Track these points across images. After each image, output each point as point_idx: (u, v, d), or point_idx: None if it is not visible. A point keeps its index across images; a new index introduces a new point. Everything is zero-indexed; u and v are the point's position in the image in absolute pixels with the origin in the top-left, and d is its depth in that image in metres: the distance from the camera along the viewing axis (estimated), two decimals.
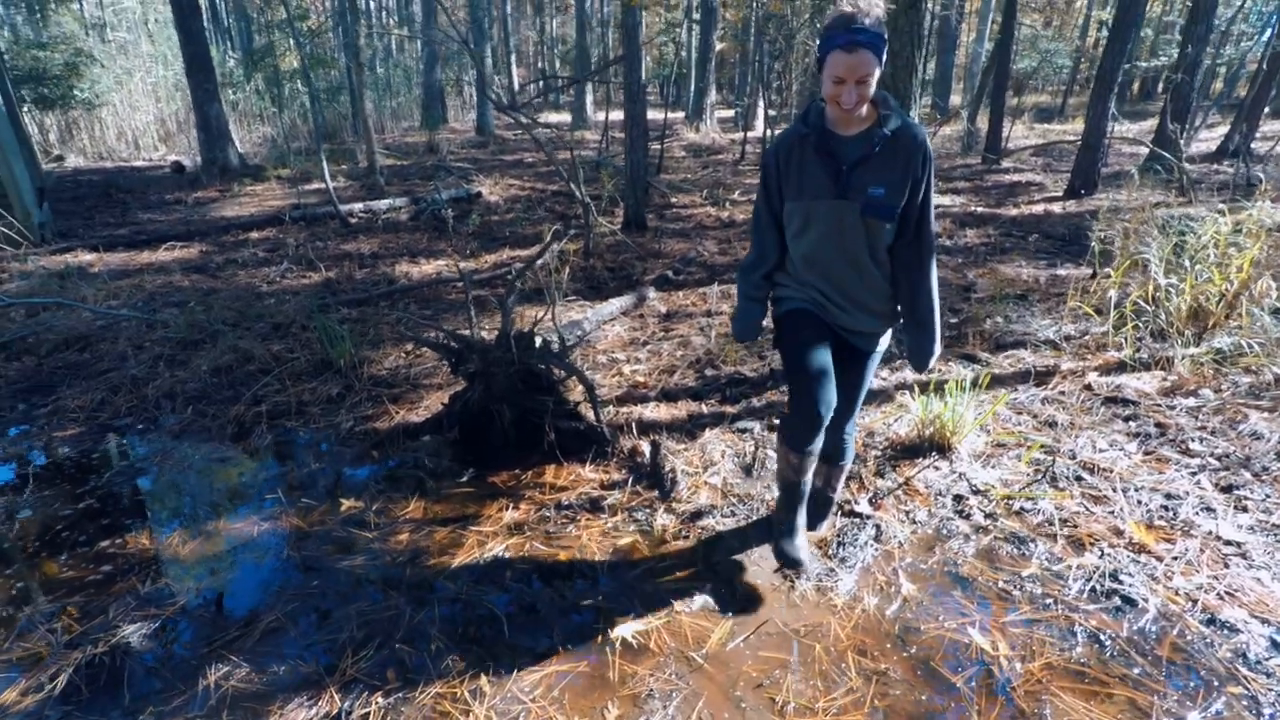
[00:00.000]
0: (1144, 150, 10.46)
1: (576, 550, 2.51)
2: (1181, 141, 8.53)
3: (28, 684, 1.99)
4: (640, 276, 5.97)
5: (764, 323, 2.20)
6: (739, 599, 2.23)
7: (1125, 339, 3.88)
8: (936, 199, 9.11)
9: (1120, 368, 3.74)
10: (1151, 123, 13.48)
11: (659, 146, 11.93)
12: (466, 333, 3.50)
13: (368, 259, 6.85)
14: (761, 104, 15.10)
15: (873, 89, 1.80)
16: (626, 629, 2.12)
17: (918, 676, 1.92)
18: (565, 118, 21.68)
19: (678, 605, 2.22)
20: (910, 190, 1.87)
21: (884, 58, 1.77)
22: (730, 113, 22.58)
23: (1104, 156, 8.99)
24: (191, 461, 3.28)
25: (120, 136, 15.27)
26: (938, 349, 2.06)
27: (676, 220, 8.44)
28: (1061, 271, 5.69)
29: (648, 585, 2.31)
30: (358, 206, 8.53)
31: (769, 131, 12.34)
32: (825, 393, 2.03)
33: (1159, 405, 3.34)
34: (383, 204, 8.70)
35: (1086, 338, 4.16)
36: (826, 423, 2.08)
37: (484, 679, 1.96)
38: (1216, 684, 1.85)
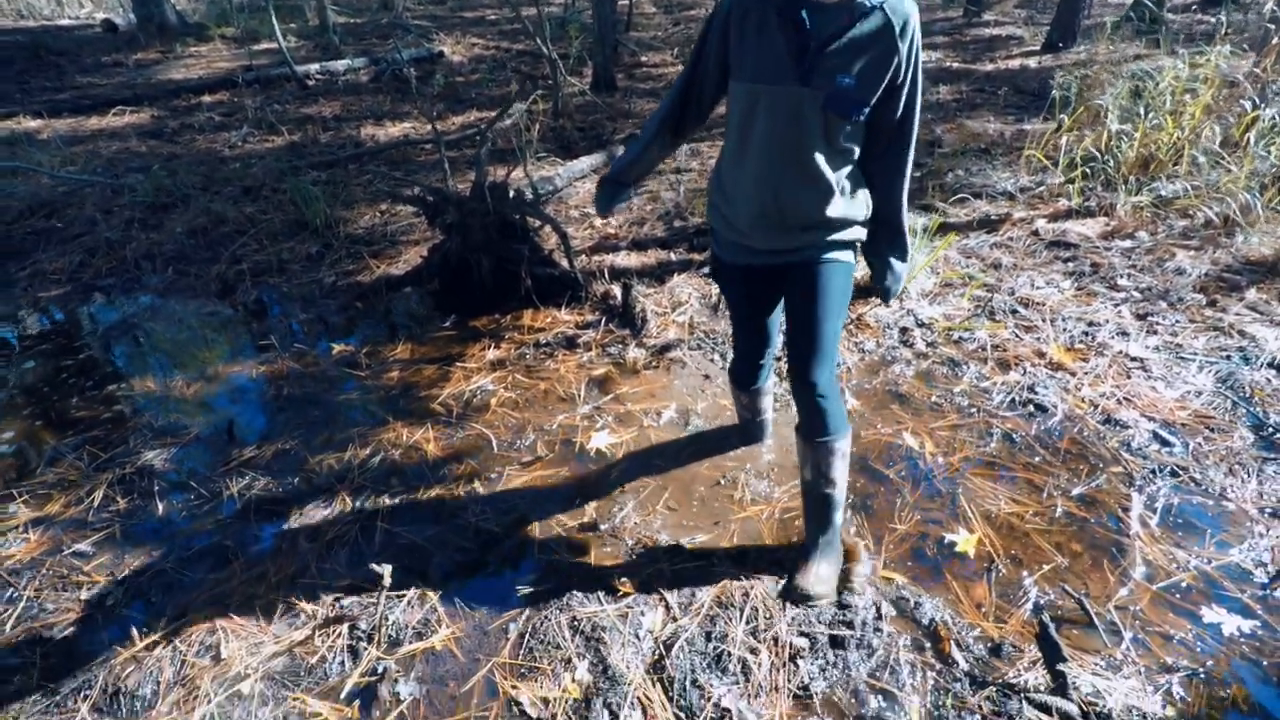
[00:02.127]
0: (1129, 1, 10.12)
1: (555, 381, 2.74)
2: None
3: (67, 499, 2.23)
4: (610, 136, 5.91)
5: (628, 200, 1.88)
6: (701, 415, 2.50)
7: (1074, 187, 4.05)
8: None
9: (1068, 215, 3.93)
10: None
11: (627, 2, 11.26)
12: (441, 186, 3.55)
13: (331, 122, 6.64)
14: None
15: None
16: (601, 440, 2.39)
17: (856, 471, 2.22)
18: None
19: (646, 421, 2.49)
20: (889, 83, 1.44)
21: None
22: None
23: (1087, 7, 8.73)
24: (182, 316, 3.41)
25: None
26: (904, 270, 1.71)
27: (647, 79, 8.18)
28: (1028, 126, 5.73)
29: (620, 406, 2.57)
30: (314, 68, 8.10)
31: None
32: (753, 340, 1.98)
33: (1097, 248, 3.57)
34: (341, 65, 8.27)
35: (1041, 189, 4.31)
36: (764, 363, 2.06)
37: (477, 483, 2.24)
38: (1101, 466, 2.18)
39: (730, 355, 2.13)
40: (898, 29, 1.39)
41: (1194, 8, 10.80)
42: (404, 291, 3.53)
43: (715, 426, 2.44)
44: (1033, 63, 8.27)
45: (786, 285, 1.73)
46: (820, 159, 1.50)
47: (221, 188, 4.88)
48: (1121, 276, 3.27)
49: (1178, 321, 2.88)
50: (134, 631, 1.75)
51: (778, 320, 1.95)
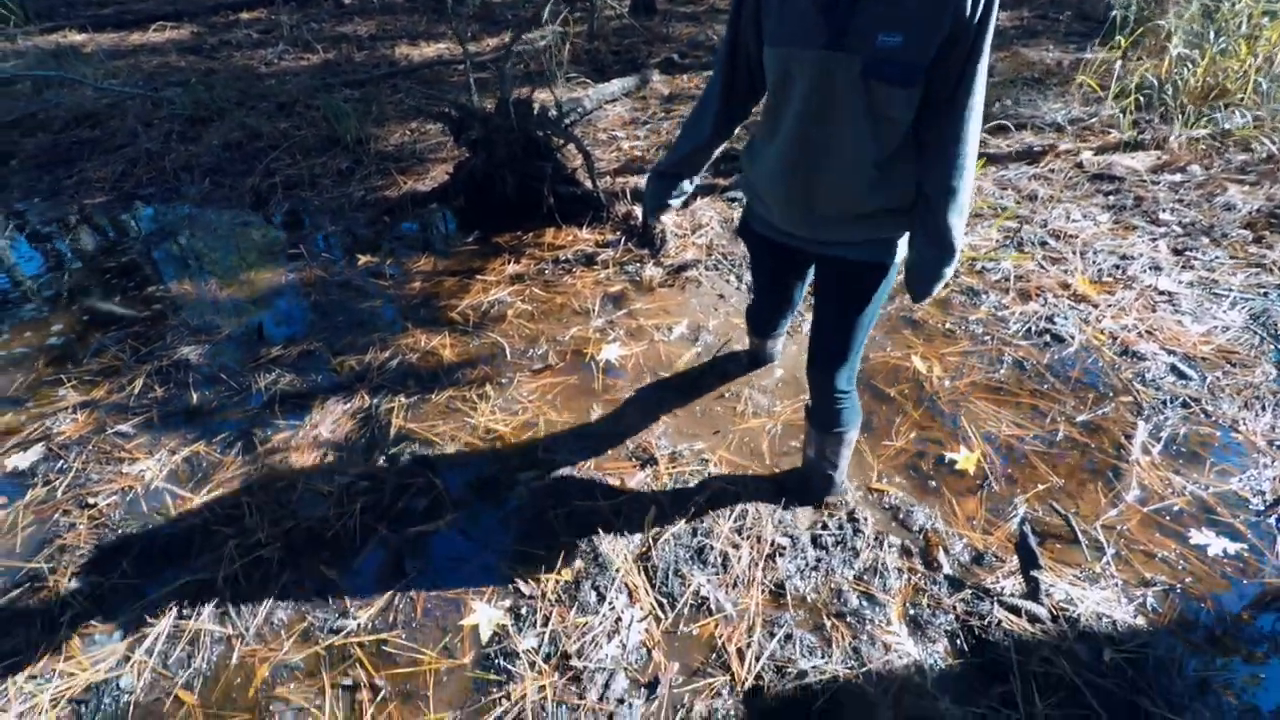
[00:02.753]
0: None
1: (571, 295, 2.79)
2: None
3: (111, 386, 2.38)
4: (645, 59, 5.76)
5: (684, 196, 1.62)
6: (712, 333, 2.53)
7: (1125, 118, 3.84)
8: None
9: (1117, 147, 3.74)
10: None
11: None
12: (467, 103, 3.54)
13: (366, 41, 6.60)
14: None
15: None
16: (611, 352, 2.44)
17: (860, 389, 2.23)
18: None
19: (657, 336, 2.52)
20: (949, 39, 1.11)
21: None
22: None
23: None
24: (217, 225, 3.52)
25: None
26: (949, 272, 1.32)
27: (688, 3, 7.88)
28: (1089, 55, 5.40)
29: (632, 321, 2.61)
30: None
31: None
32: (773, 302, 1.90)
33: (1144, 181, 3.41)
34: None
35: (1093, 120, 4.10)
36: (782, 321, 2.03)
37: (489, 386, 2.32)
38: (1111, 395, 2.16)
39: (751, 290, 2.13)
40: None
41: None
42: (430, 207, 3.57)
43: (725, 343, 2.47)
44: None
45: (818, 272, 1.54)
46: (860, 141, 1.22)
47: (257, 103, 4.93)
48: (1164, 211, 3.13)
49: (1217, 257, 2.77)
50: (169, 500, 1.90)
51: (802, 290, 1.85)
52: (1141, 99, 3.89)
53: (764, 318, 2.03)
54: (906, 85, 1.14)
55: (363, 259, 3.12)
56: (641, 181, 3.63)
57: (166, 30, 7.02)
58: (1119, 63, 4.04)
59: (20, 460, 2.05)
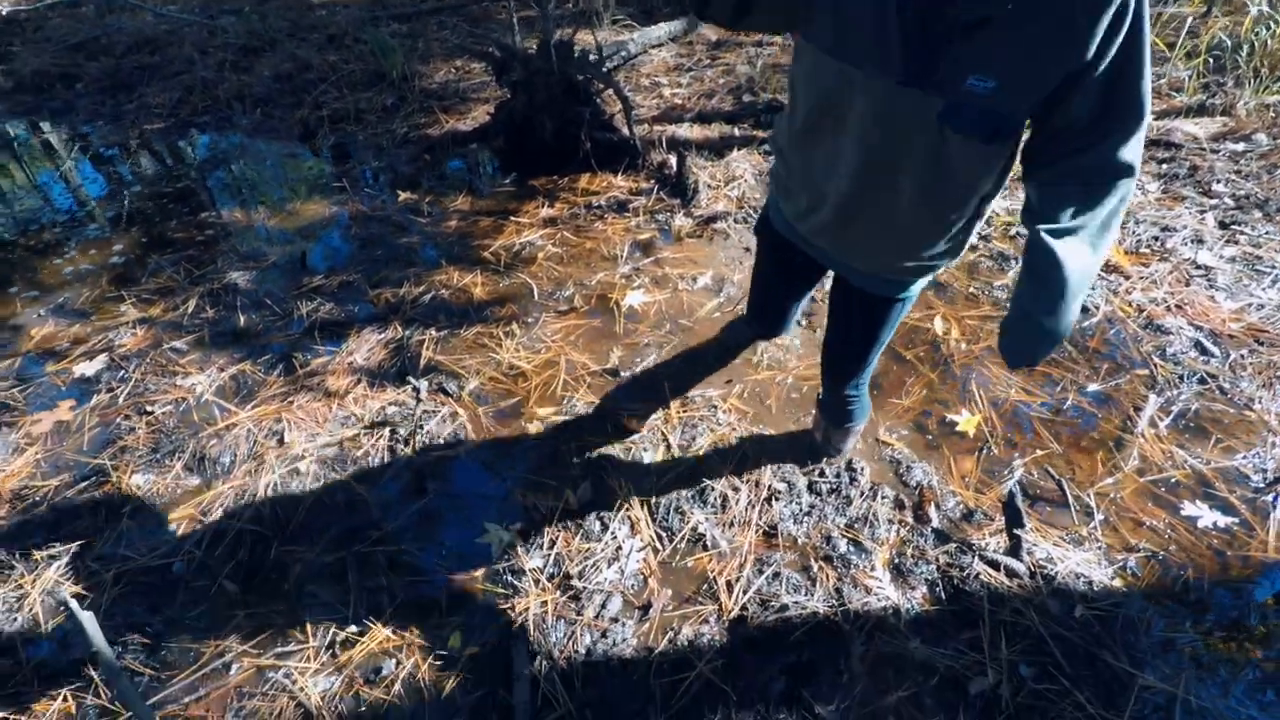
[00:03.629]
0: None
1: (601, 241, 2.85)
2: None
3: (166, 305, 2.55)
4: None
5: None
6: (736, 285, 2.57)
7: (1190, 81, 3.65)
8: None
9: (1182, 113, 3.58)
10: None
11: None
12: (510, 43, 3.55)
13: None
14: None
15: None
16: (635, 298, 2.51)
17: None
18: None
19: (681, 286, 2.58)
20: (1067, 79, 0.89)
21: None
22: None
23: None
24: (267, 155, 3.65)
25: None
26: (1052, 338, 1.02)
27: None
28: (1170, 9, 5.08)
29: (658, 269, 2.67)
30: None
31: None
32: (771, 310, 1.74)
33: (1203, 149, 3.27)
34: None
35: (1161, 82, 3.91)
36: (783, 332, 1.88)
37: (515, 325, 2.42)
38: (1127, 367, 2.15)
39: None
40: (1089, 7, 0.82)
41: None
42: (470, 147, 3.64)
43: (747, 296, 2.51)
44: None
45: (833, 285, 1.44)
46: (927, 193, 1.04)
47: (307, 34, 5.00)
48: (1219, 181, 3.01)
49: (1267, 233, 2.68)
50: (216, 413, 2.07)
51: (804, 303, 1.75)
52: (1211, 60, 3.69)
53: (757, 320, 1.85)
54: (990, 140, 0.92)
55: (403, 195, 3.22)
56: (680, 131, 3.62)
57: None
58: (1192, 20, 3.81)
59: (87, 368, 2.24)
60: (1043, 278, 0.98)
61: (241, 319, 2.48)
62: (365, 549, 1.72)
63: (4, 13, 4.71)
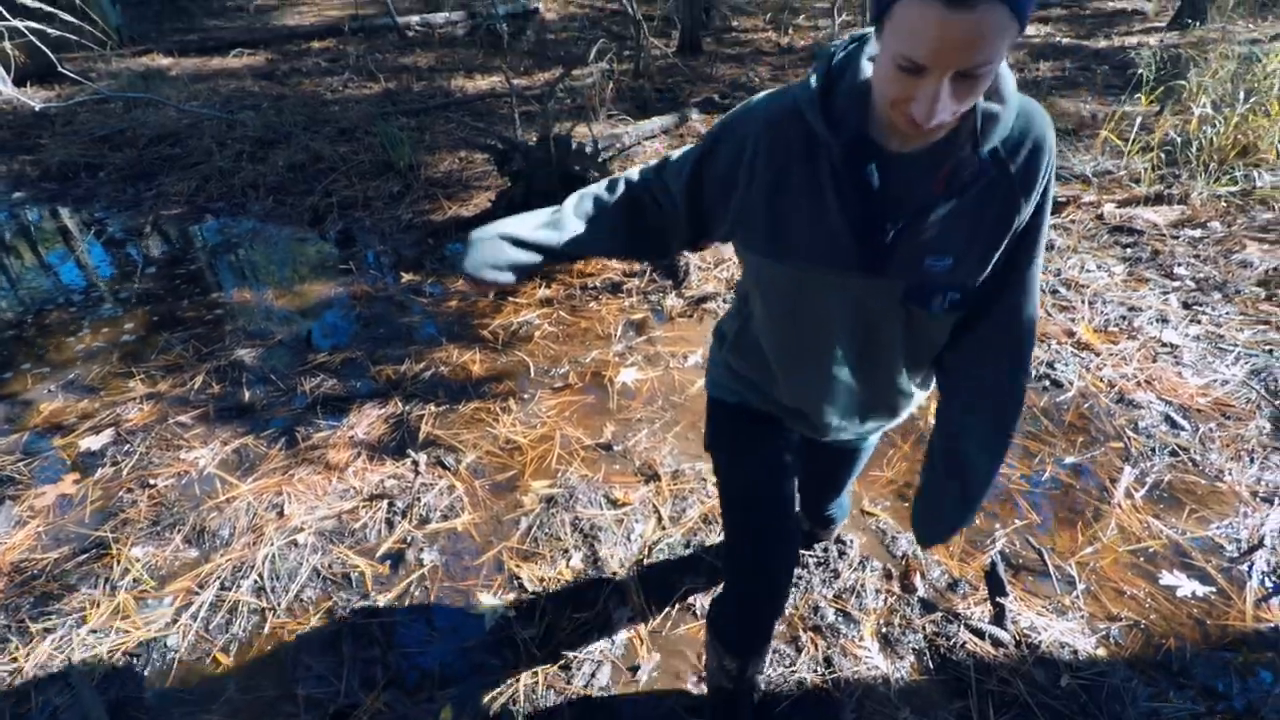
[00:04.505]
0: None
1: (595, 320, 2.97)
2: None
3: (174, 381, 2.64)
4: (686, 98, 6.01)
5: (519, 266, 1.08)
6: None
7: (1147, 173, 3.90)
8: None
9: (1142, 201, 3.81)
10: None
11: None
12: (511, 135, 3.80)
13: (425, 72, 7.01)
14: None
15: (986, 87, 0.78)
16: (628, 375, 2.61)
17: None
18: None
19: (672, 363, 2.68)
20: (1004, 255, 0.92)
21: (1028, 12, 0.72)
22: None
23: None
24: (277, 239, 3.82)
25: None
26: (965, 523, 1.10)
27: (734, 45, 8.16)
28: (1128, 108, 5.46)
29: (650, 348, 2.78)
30: (415, 19, 8.50)
31: None
32: (777, 552, 1.20)
33: (1163, 235, 3.47)
34: (440, 18, 8.63)
35: (1121, 173, 4.17)
36: (780, 606, 1.24)
37: (512, 401, 2.50)
38: (1101, 440, 2.24)
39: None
40: (1024, 180, 0.86)
41: None
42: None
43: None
44: (1153, 40, 7.75)
45: (806, 443, 1.29)
46: (912, 360, 1.04)
47: (321, 128, 5.30)
48: (1180, 265, 3.19)
49: (1226, 313, 2.82)
50: (218, 485, 2.12)
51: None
52: (1163, 155, 3.95)
53: (756, 568, 1.21)
54: (955, 310, 0.94)
55: (406, 277, 3.36)
56: None
57: (244, 57, 7.56)
58: (1142, 118, 4.11)
59: (93, 442, 2.30)
60: (959, 495, 1.06)
61: (246, 394, 2.56)
62: (360, 621, 1.73)
63: (37, 108, 5.00)
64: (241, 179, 4.49)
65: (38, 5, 5.09)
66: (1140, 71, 4.69)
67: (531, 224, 1.06)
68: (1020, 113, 0.85)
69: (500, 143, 3.72)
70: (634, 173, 1.11)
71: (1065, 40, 7.87)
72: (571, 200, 1.10)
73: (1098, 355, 2.62)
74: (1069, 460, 2.16)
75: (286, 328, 2.99)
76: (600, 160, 3.65)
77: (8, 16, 5.29)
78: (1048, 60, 7.06)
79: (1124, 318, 2.84)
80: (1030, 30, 8.32)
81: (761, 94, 0.98)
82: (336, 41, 8.14)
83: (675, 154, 1.06)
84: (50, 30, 5.53)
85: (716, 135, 0.99)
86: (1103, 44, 7.70)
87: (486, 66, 7.20)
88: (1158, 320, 2.80)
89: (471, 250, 1.04)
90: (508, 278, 1.05)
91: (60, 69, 4.90)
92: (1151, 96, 4.32)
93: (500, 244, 1.04)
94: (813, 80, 0.90)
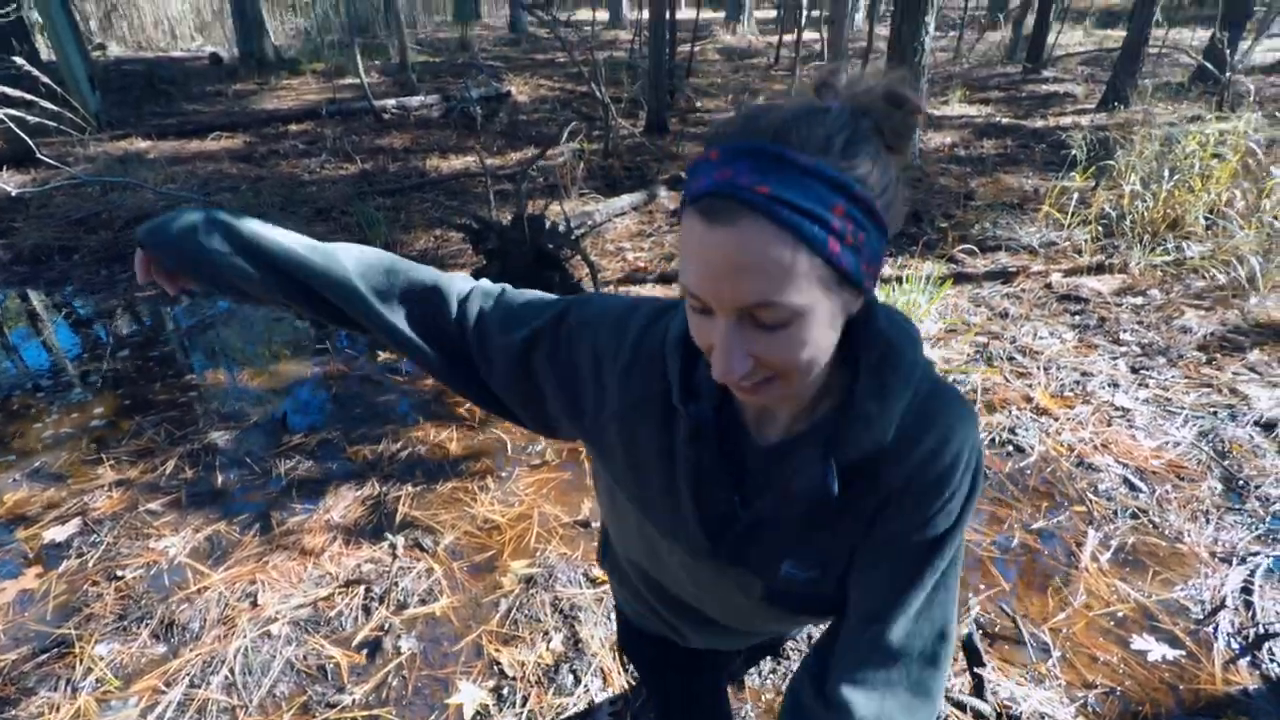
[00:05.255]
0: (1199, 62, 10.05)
1: None
2: (1230, 51, 8.26)
3: (145, 466, 2.60)
4: (655, 176, 6.26)
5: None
6: None
7: (1087, 243, 4.16)
8: (957, 110, 9.05)
9: (1086, 270, 4.04)
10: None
11: (691, 48, 11.78)
12: (486, 215, 3.92)
13: (400, 153, 7.21)
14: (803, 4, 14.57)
15: (813, 349, 0.57)
16: None
17: None
18: (603, 15, 21.06)
19: None
20: (893, 559, 0.70)
21: (856, 253, 0.54)
22: (772, 14, 21.69)
23: (1140, 67, 8.75)
24: (252, 319, 3.84)
25: (157, 25, 15.45)
26: None
27: (699, 125, 8.56)
28: (1065, 183, 5.84)
29: None
30: (391, 103, 8.79)
31: (801, 34, 12.00)
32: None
33: (1108, 302, 3.67)
34: (415, 101, 8.94)
35: (1065, 244, 4.43)
36: None
37: (490, 479, 2.51)
38: (1065, 504, 2.31)
39: None
40: (910, 493, 0.66)
41: (1274, 69, 10.63)
42: None
43: None
44: (1085, 120, 8.33)
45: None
46: (775, 624, 0.97)
47: (298, 208, 5.40)
48: (1125, 331, 3.37)
49: (1172, 377, 2.98)
50: (189, 575, 2.07)
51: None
52: (1101, 228, 4.22)
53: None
54: (829, 613, 0.78)
55: (382, 355, 3.39)
56: (644, 291, 3.94)
57: (223, 139, 7.71)
58: (1079, 193, 4.40)
59: (58, 533, 2.24)
60: None
61: (220, 478, 2.53)
62: (336, 715, 1.69)
63: (12, 194, 5.03)
64: None
65: (18, 94, 5.19)
66: (1074, 151, 5.04)
67: (279, 231, 0.81)
68: (920, 413, 0.64)
69: (475, 222, 3.84)
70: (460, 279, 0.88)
71: (1005, 120, 8.42)
72: (362, 249, 0.86)
73: (1056, 420, 2.73)
74: (1035, 525, 2.23)
75: (261, 408, 2.98)
76: (573, 238, 3.77)
77: None
78: (990, 139, 7.53)
79: (1078, 383, 2.97)
80: (972, 110, 8.91)
81: (646, 303, 0.78)
82: (314, 124, 8.35)
83: (525, 294, 0.86)
84: (29, 117, 5.62)
85: (572, 328, 0.78)
86: (1039, 124, 8.26)
87: (460, 147, 7.44)
88: (1109, 385, 2.94)
89: (169, 219, 0.78)
90: (174, 262, 0.77)
91: (38, 155, 4.96)
92: (1086, 174, 4.64)
93: (199, 224, 0.78)
94: (676, 331, 0.71)
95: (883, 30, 9.74)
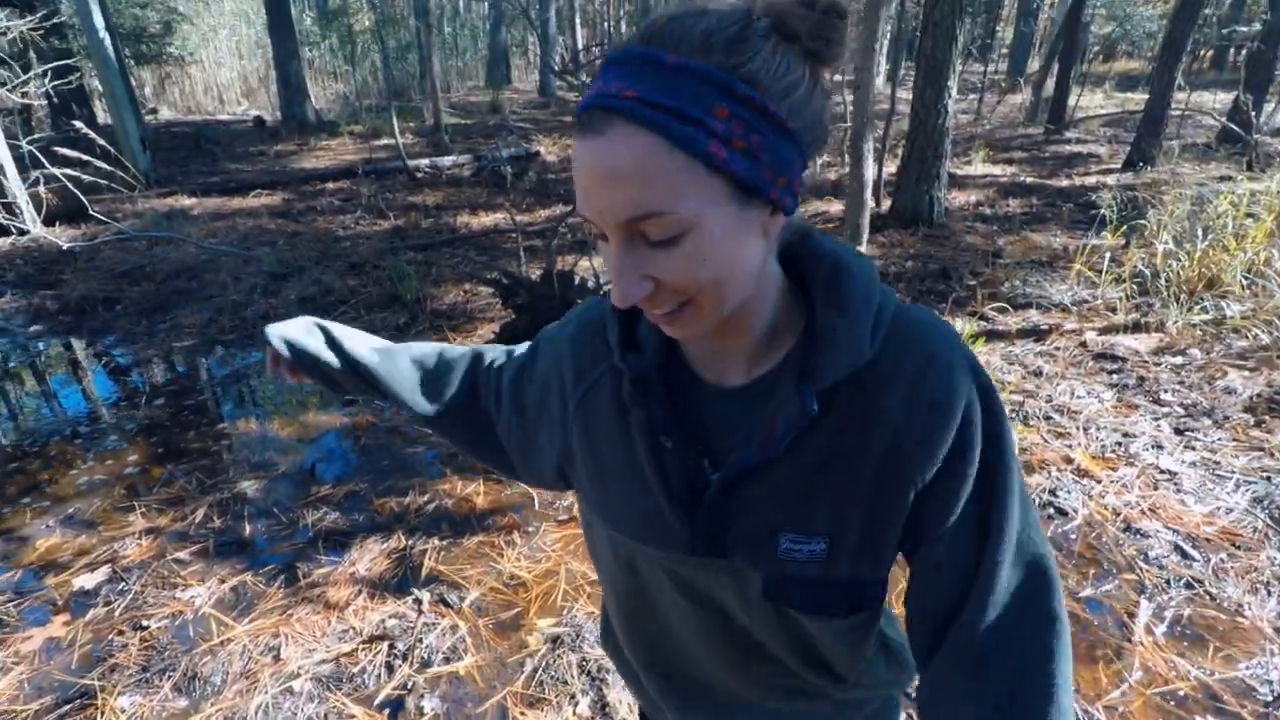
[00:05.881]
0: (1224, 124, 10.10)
1: None
2: (1255, 114, 8.30)
3: (175, 514, 2.61)
4: None
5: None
6: None
7: (1121, 301, 4.10)
8: (980, 169, 9.14)
9: (1120, 329, 3.98)
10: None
11: None
12: (516, 271, 3.99)
13: (432, 210, 7.43)
14: None
15: (715, 266, 0.51)
16: None
17: None
18: None
19: None
20: (920, 532, 0.60)
21: (751, 159, 0.49)
22: None
23: (1164, 128, 8.81)
24: None
25: (207, 91, 16.33)
26: None
27: None
28: (1095, 241, 5.82)
29: None
30: (424, 162, 9.10)
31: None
32: None
33: (1146, 362, 3.59)
34: (447, 160, 9.25)
35: (1097, 302, 4.38)
36: None
37: (516, 534, 2.48)
38: (1114, 572, 2.21)
39: None
40: (913, 424, 0.57)
41: None
42: None
43: None
44: (1111, 180, 8.36)
45: None
46: (800, 663, 0.72)
47: (332, 262, 5.55)
48: (1166, 391, 3.28)
49: (1219, 439, 2.88)
50: (213, 627, 2.05)
51: None
52: (1135, 286, 4.18)
53: None
54: (852, 613, 0.65)
55: None
56: None
57: (263, 197, 8.02)
58: (1111, 252, 4.37)
59: (87, 581, 2.24)
60: None
61: (247, 528, 2.53)
62: None
63: (64, 247, 5.24)
64: (253, 311, 4.64)
65: (76, 155, 5.47)
66: (1104, 211, 5.04)
67: (359, 334, 0.89)
68: (894, 329, 0.58)
69: (505, 277, 3.90)
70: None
71: (1029, 179, 8.47)
72: (419, 345, 0.91)
73: (1099, 482, 2.64)
74: (1083, 593, 2.13)
75: (290, 458, 3.00)
76: (602, 293, 3.82)
77: (47, 164, 5.67)
78: (1016, 197, 7.57)
79: (1119, 443, 2.89)
80: (995, 170, 8.99)
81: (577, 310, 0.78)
82: (350, 182, 8.66)
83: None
84: (84, 176, 5.91)
85: (541, 342, 0.81)
86: (1064, 183, 8.29)
87: (491, 204, 7.65)
88: (1153, 446, 2.85)
89: (288, 322, 0.88)
90: (308, 358, 0.85)
91: (90, 211, 5.18)
92: (1117, 232, 4.63)
93: (315, 329, 0.87)
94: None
95: (904, 94, 9.96)
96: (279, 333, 0.84)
